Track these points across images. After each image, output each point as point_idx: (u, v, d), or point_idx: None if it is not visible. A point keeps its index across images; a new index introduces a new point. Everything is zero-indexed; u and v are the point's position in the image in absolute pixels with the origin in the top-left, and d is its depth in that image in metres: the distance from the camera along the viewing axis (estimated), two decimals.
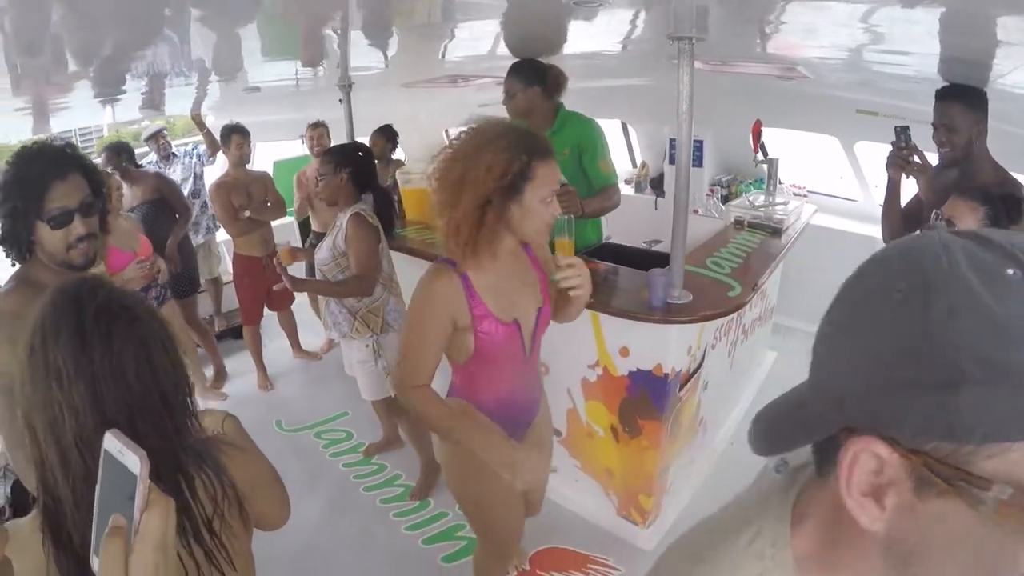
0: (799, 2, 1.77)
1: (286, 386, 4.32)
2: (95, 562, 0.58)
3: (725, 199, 4.60)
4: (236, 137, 3.87)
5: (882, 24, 1.86)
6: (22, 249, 1.47)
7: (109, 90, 3.10)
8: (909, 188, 2.54)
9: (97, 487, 0.60)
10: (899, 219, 2.58)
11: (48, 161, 1.46)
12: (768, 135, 3.64)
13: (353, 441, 3.59)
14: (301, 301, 4.45)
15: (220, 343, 4.67)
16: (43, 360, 0.86)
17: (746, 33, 2.40)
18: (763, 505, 0.59)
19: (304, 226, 4.91)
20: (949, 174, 2.33)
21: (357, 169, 2.74)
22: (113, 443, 0.59)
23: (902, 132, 2.38)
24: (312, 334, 4.69)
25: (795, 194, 3.78)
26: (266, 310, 4.28)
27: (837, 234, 4.16)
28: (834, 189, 4.68)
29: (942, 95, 2.29)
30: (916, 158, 2.37)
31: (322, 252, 2.77)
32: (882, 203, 2.61)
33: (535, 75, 2.88)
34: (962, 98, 2.26)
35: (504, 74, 2.95)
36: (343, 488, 3.20)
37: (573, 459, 2.93)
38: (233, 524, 1.03)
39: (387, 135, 4.60)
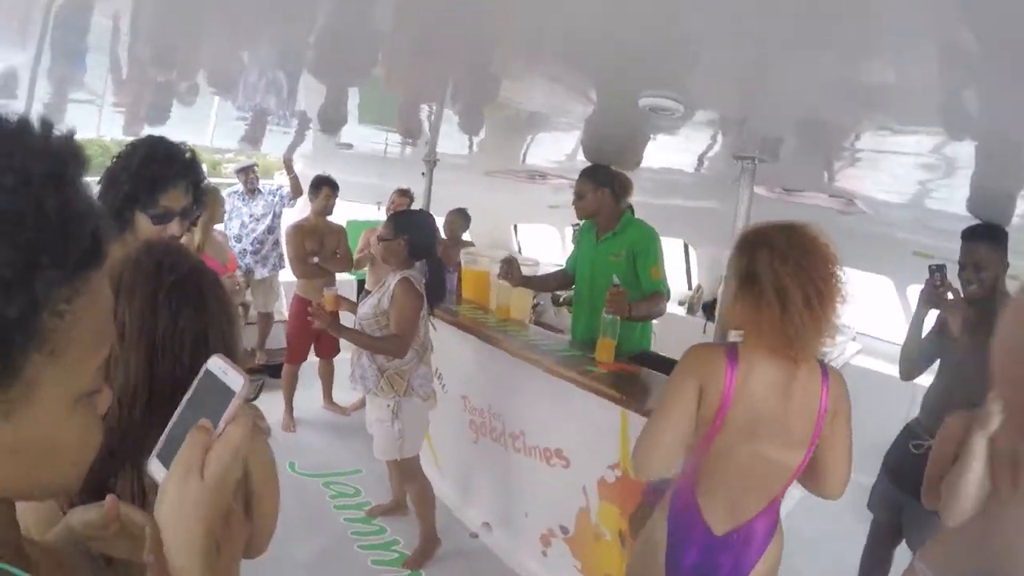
0: (868, 134, 1.86)
1: (308, 432, 4.37)
2: (153, 464, 0.64)
3: None
4: (326, 188, 4.19)
5: (932, 158, 1.94)
6: (119, 229, 1.58)
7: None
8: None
9: (184, 400, 0.67)
10: (918, 355, 2.61)
11: (173, 166, 1.61)
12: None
13: (360, 498, 3.56)
14: (345, 356, 4.55)
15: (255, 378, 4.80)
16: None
17: (810, 160, 2.50)
18: None
19: (361, 283, 5.11)
20: (969, 310, 2.36)
21: (415, 238, 2.82)
22: (217, 364, 0.66)
23: (937, 270, 2.42)
24: (346, 390, 4.75)
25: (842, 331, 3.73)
26: (311, 356, 4.40)
27: (880, 377, 3.96)
28: (882, 331, 4.59)
29: (970, 235, 2.37)
30: (950, 295, 2.39)
31: (364, 307, 2.87)
32: (906, 336, 2.64)
33: (605, 178, 3.07)
34: (988, 237, 2.35)
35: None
36: (339, 541, 3.16)
37: (575, 559, 2.83)
38: (233, 520, 0.97)
39: (463, 216, 4.86)
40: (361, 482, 3.71)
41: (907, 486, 2.46)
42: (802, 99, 1.61)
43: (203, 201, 1.76)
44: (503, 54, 1.72)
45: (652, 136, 2.65)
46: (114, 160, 1.60)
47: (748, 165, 2.18)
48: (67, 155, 0.50)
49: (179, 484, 0.60)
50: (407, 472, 3.02)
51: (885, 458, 2.66)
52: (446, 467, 3.76)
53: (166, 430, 0.65)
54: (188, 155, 1.65)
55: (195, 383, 0.66)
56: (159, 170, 1.58)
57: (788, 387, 1.52)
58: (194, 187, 1.67)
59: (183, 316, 0.94)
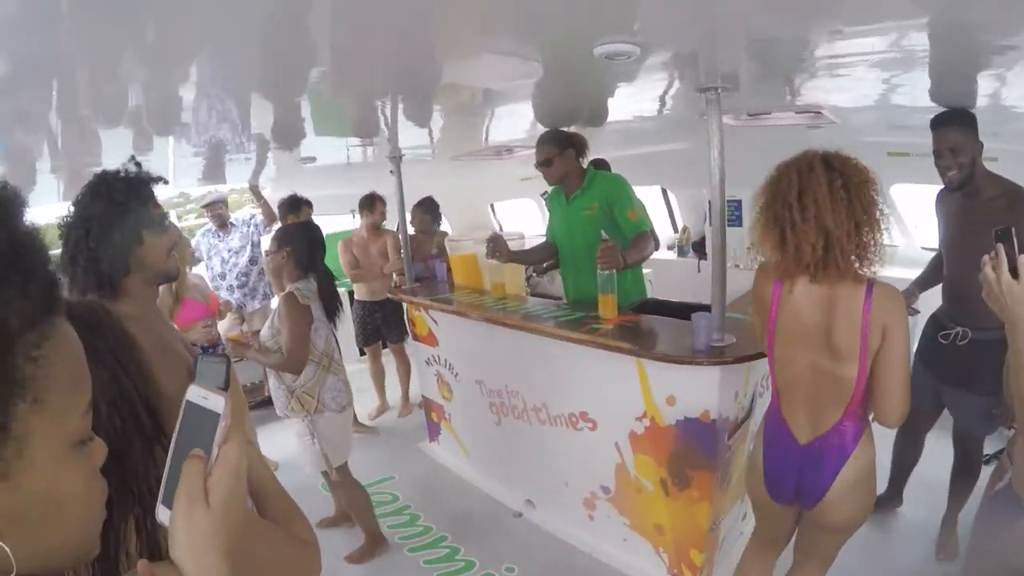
0: (822, 41, 1.86)
1: None
2: (162, 512, 0.62)
3: None
4: (306, 208, 4.06)
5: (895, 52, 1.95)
6: (116, 279, 1.51)
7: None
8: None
9: (173, 440, 0.65)
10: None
11: (142, 176, 1.57)
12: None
13: (399, 503, 3.58)
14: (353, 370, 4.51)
15: (267, 408, 4.78)
16: None
17: (771, 81, 2.50)
18: None
19: (351, 294, 5.07)
20: (955, 197, 2.44)
21: (297, 248, 2.81)
22: (196, 392, 0.65)
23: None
24: (363, 403, 4.74)
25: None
26: None
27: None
28: None
29: (940, 122, 2.39)
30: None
31: (264, 329, 2.84)
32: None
33: (566, 140, 3.09)
34: (958, 121, 2.37)
35: None
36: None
37: (622, 516, 2.87)
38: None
39: (426, 208, 4.79)
40: (397, 487, 3.73)
41: (940, 373, 2.61)
42: (752, 18, 1.60)
43: None
44: (452, 37, 1.70)
45: (614, 87, 2.64)
46: (80, 209, 1.52)
47: (712, 96, 2.17)
48: (8, 195, 0.51)
49: (186, 518, 0.58)
50: (337, 482, 2.98)
51: (918, 349, 2.75)
52: (475, 454, 3.78)
53: (164, 475, 0.64)
54: (136, 163, 1.61)
55: (179, 420, 0.65)
56: (140, 184, 1.55)
57: (831, 302, 1.68)
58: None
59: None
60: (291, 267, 2.81)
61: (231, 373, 1.08)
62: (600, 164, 4.57)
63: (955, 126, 2.36)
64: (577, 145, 3.12)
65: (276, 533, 0.93)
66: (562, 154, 3.06)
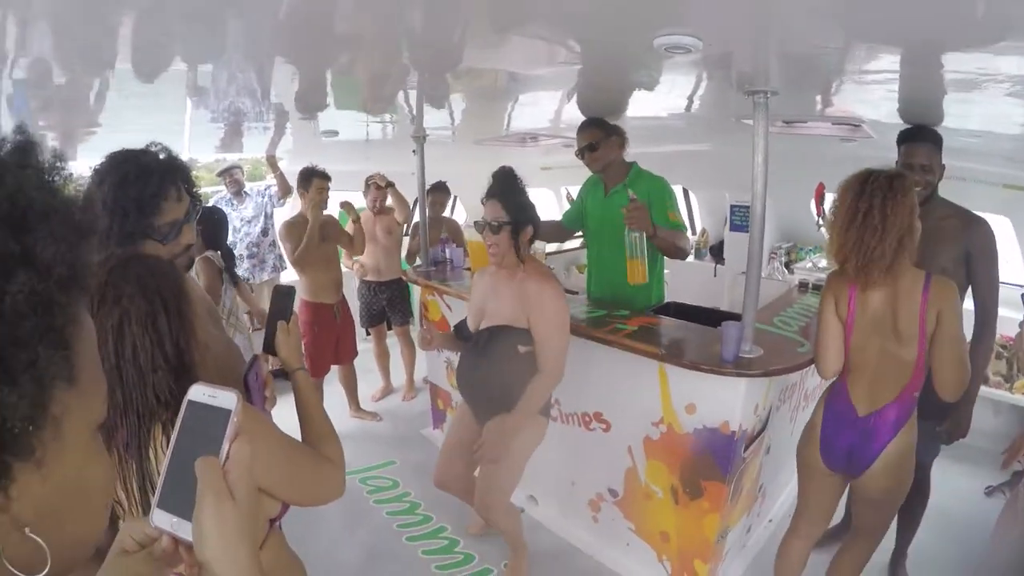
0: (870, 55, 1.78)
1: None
2: (157, 516, 0.61)
3: (786, 264, 4.52)
4: (317, 181, 3.82)
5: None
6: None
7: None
8: None
9: (172, 441, 0.64)
10: None
11: (150, 181, 1.42)
12: (831, 200, 3.59)
13: (398, 490, 3.53)
14: (359, 349, 4.43)
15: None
16: None
17: (817, 88, 2.41)
18: None
19: None
20: None
21: (203, 229, 3.12)
22: (200, 391, 0.64)
23: None
24: (366, 386, 4.69)
25: None
26: None
27: None
28: None
29: (911, 137, 2.38)
30: None
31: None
32: None
33: (611, 126, 2.95)
34: (932, 139, 2.35)
35: (571, 136, 3.05)
36: (386, 537, 3.12)
37: (627, 521, 2.82)
38: None
39: (439, 190, 4.77)
40: (398, 473, 3.69)
41: None
42: (821, 24, 1.52)
43: (198, 195, 1.59)
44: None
45: (656, 80, 2.53)
46: (82, 195, 1.43)
47: (761, 100, 2.09)
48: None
49: (215, 514, 0.58)
50: None
51: None
52: None
53: (161, 477, 0.63)
54: (163, 156, 1.48)
55: (179, 421, 0.64)
56: (138, 192, 1.39)
57: (894, 295, 1.93)
58: (185, 184, 1.51)
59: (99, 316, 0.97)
60: (198, 243, 3.10)
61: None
62: None
63: (928, 143, 2.35)
64: (621, 134, 3.01)
65: (300, 450, 1.20)
66: (607, 140, 2.95)
